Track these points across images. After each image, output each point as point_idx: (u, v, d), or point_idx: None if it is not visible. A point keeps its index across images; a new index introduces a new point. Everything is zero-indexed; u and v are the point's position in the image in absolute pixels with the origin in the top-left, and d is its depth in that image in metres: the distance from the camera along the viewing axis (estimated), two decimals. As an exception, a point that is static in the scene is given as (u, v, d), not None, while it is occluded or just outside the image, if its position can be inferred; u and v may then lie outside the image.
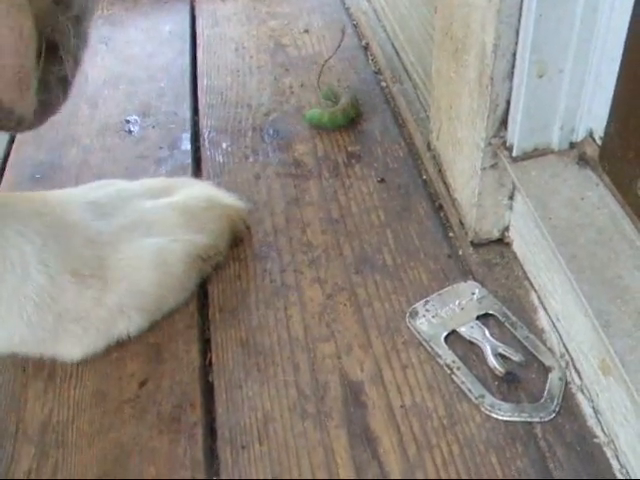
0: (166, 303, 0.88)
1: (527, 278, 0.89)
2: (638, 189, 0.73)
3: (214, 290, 0.92)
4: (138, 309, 0.85)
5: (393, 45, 1.34)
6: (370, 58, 1.33)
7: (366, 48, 1.36)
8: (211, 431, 0.78)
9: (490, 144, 0.85)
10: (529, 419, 0.76)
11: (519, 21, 0.76)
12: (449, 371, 0.81)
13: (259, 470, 0.74)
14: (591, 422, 0.76)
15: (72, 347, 0.84)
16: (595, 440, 0.75)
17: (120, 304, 0.84)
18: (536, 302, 0.87)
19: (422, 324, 0.85)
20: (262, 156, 1.12)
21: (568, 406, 0.78)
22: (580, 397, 0.78)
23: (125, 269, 0.84)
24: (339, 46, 1.27)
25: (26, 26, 0.63)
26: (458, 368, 0.81)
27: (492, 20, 0.76)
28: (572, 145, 0.84)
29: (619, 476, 0.72)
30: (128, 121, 1.22)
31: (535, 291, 0.88)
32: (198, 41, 1.43)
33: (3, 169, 1.14)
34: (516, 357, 0.81)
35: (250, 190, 1.05)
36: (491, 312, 0.86)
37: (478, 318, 0.86)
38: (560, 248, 0.75)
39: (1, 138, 1.19)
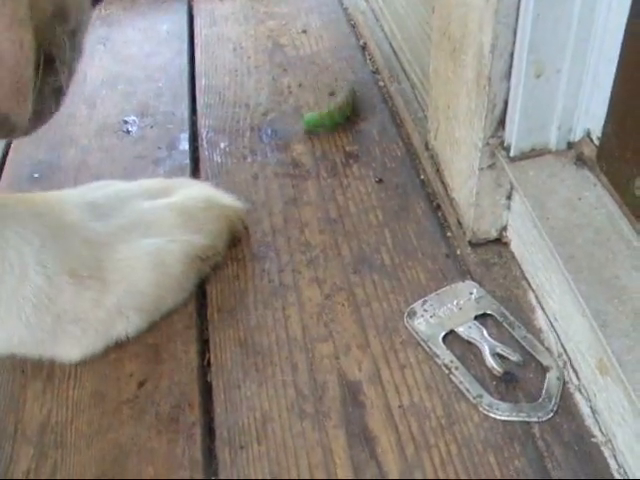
0: (164, 303, 0.88)
1: (525, 278, 0.90)
2: (635, 189, 0.73)
3: (212, 290, 0.92)
4: (136, 310, 0.85)
5: (391, 45, 1.34)
6: (368, 58, 1.33)
7: (364, 48, 1.36)
8: (210, 431, 0.78)
9: (488, 144, 0.85)
10: (527, 419, 0.76)
11: (516, 21, 0.76)
12: (447, 371, 0.81)
13: (257, 470, 0.74)
14: (589, 422, 0.76)
15: (71, 348, 0.84)
16: (593, 440, 0.75)
17: (118, 305, 0.84)
18: (534, 302, 0.87)
19: (420, 324, 0.85)
20: (260, 156, 1.12)
21: (566, 406, 0.78)
22: (578, 397, 0.78)
23: (123, 270, 0.84)
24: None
25: (26, 39, 0.64)
26: (456, 368, 0.81)
27: (490, 20, 0.76)
28: (570, 145, 0.84)
29: (617, 476, 0.72)
30: (126, 121, 1.22)
31: (533, 291, 0.88)
32: (196, 41, 1.43)
33: (1, 169, 1.14)
34: (514, 357, 0.81)
35: (248, 190, 1.06)
36: (489, 312, 0.86)
37: (476, 318, 0.86)
38: (558, 248, 0.75)
39: (-1, 138, 1.19)
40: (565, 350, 0.81)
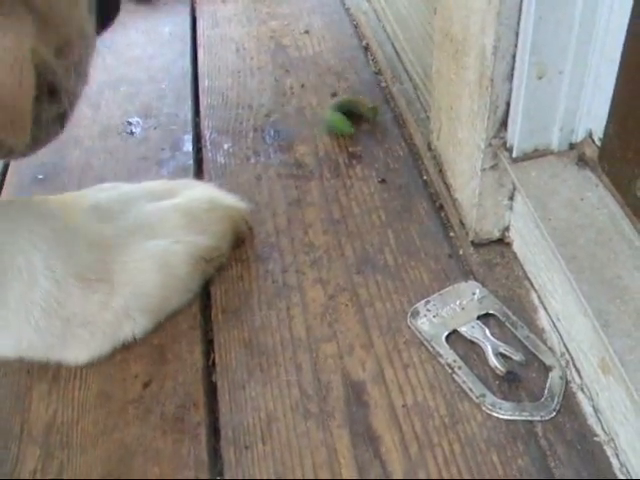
0: (170, 304, 0.88)
1: (527, 278, 0.90)
2: (637, 190, 0.73)
3: (217, 291, 0.93)
4: (143, 311, 0.86)
5: (393, 45, 1.34)
6: (370, 58, 1.33)
7: (366, 48, 1.36)
8: (215, 431, 0.79)
9: (490, 145, 0.85)
10: (530, 418, 0.77)
11: (518, 23, 0.76)
12: (450, 370, 0.81)
13: (262, 470, 0.75)
14: (591, 421, 0.76)
15: (79, 351, 0.84)
16: (595, 439, 0.75)
17: (126, 307, 0.84)
18: (536, 302, 0.87)
19: (423, 324, 0.86)
20: (263, 157, 1.13)
21: (568, 405, 0.78)
22: (580, 396, 0.78)
23: (130, 272, 0.85)
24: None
25: (26, 78, 0.67)
26: (459, 367, 0.81)
27: (492, 22, 0.76)
28: (572, 146, 0.85)
29: (619, 474, 0.72)
30: (130, 123, 1.23)
31: (535, 291, 0.88)
32: (199, 42, 1.43)
33: (6, 170, 1.14)
34: (517, 356, 0.82)
35: (251, 191, 1.06)
36: (492, 312, 0.87)
37: (479, 318, 0.86)
38: (560, 248, 0.75)
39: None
40: (567, 350, 0.81)
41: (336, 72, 1.30)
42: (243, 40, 1.42)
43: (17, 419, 0.81)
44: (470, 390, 0.79)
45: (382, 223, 0.99)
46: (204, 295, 0.92)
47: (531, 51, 0.76)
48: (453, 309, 0.87)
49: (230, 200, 0.96)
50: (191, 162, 1.14)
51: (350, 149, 1.12)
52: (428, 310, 0.87)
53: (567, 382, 0.80)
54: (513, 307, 0.87)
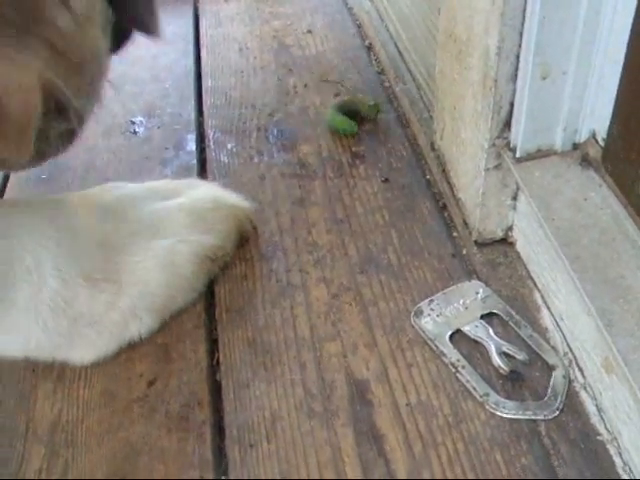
0: (175, 303, 0.89)
1: (531, 277, 0.90)
2: (640, 190, 0.74)
3: (221, 290, 0.93)
4: (149, 311, 0.86)
5: (396, 45, 1.35)
6: (373, 58, 1.34)
7: (369, 48, 1.37)
8: (219, 430, 0.79)
9: (494, 145, 0.86)
10: (533, 417, 0.77)
11: (522, 24, 0.76)
12: (454, 370, 0.81)
13: (267, 468, 0.75)
14: (594, 420, 0.77)
15: (86, 351, 0.84)
16: (598, 437, 0.75)
17: (132, 307, 0.85)
18: (539, 301, 0.88)
19: (427, 323, 0.86)
20: (267, 156, 1.13)
21: (572, 404, 0.78)
22: (583, 395, 0.79)
23: (136, 272, 0.85)
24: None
25: (32, 99, 0.68)
26: (463, 367, 0.82)
27: (496, 23, 0.77)
28: (575, 146, 0.85)
29: (622, 473, 0.72)
30: (133, 122, 1.23)
31: (538, 290, 0.88)
32: (202, 42, 1.44)
33: (10, 170, 1.15)
34: (520, 356, 0.82)
35: (255, 190, 1.06)
36: (495, 311, 0.87)
37: (482, 317, 0.86)
38: (563, 248, 0.76)
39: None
40: (571, 349, 0.81)
41: (339, 72, 1.31)
42: (246, 40, 1.43)
43: (22, 418, 0.81)
44: (474, 389, 0.79)
45: (385, 223, 1.00)
46: (208, 294, 0.93)
47: (535, 52, 0.76)
48: (457, 308, 0.87)
49: (234, 199, 0.97)
50: (194, 161, 1.14)
51: (353, 149, 1.13)
52: (432, 309, 0.88)
53: (570, 381, 0.80)
54: (516, 306, 0.88)
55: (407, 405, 0.79)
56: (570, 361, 0.81)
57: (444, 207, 1.02)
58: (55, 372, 0.85)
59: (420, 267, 0.93)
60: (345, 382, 0.81)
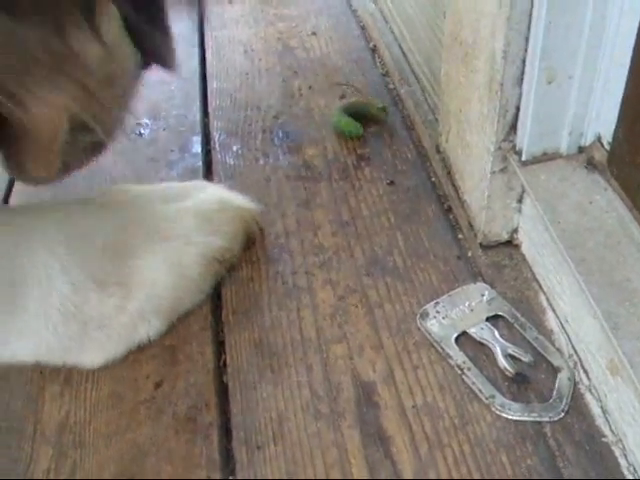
0: (183, 305, 0.89)
1: (536, 280, 0.90)
2: (646, 193, 0.74)
3: (227, 292, 0.93)
4: (157, 313, 0.86)
5: (401, 47, 1.35)
6: (378, 60, 1.34)
7: (373, 50, 1.37)
8: (226, 431, 0.79)
9: (500, 148, 0.86)
10: (539, 419, 0.77)
11: (529, 28, 0.76)
12: (460, 372, 0.82)
13: (274, 470, 0.75)
14: (599, 421, 0.77)
15: (95, 354, 0.85)
16: (603, 439, 0.76)
17: (141, 310, 0.85)
18: (545, 304, 0.88)
19: (433, 325, 0.86)
20: (272, 159, 1.13)
21: (577, 406, 0.79)
22: (588, 397, 0.79)
23: (144, 275, 0.85)
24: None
25: (59, 120, 0.73)
26: (469, 369, 0.82)
27: (502, 27, 0.77)
28: (580, 150, 0.85)
29: (627, 474, 0.73)
30: (139, 124, 1.23)
31: (544, 293, 0.89)
32: (206, 44, 1.44)
33: (15, 173, 1.15)
34: (525, 358, 0.82)
35: (261, 192, 1.06)
36: (500, 313, 0.87)
37: (488, 319, 0.87)
38: (569, 251, 0.76)
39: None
40: (576, 351, 0.81)
41: (344, 74, 1.31)
42: (251, 41, 1.43)
43: (30, 419, 0.82)
44: (479, 391, 0.80)
45: (391, 225, 1.00)
46: (215, 296, 0.93)
47: (541, 56, 0.76)
48: (462, 311, 0.88)
49: (241, 201, 0.97)
50: (200, 163, 1.14)
51: (358, 151, 1.13)
52: (437, 312, 0.88)
53: (575, 383, 0.80)
54: (522, 309, 0.88)
55: (413, 407, 0.79)
56: (575, 363, 0.81)
57: (449, 209, 1.02)
58: (62, 374, 0.85)
59: (426, 269, 0.94)
60: (351, 384, 0.82)
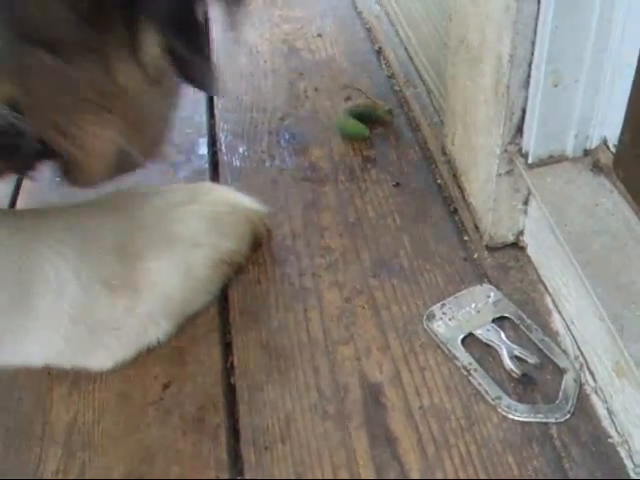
0: (191, 307, 0.89)
1: (541, 282, 0.91)
2: (651, 196, 0.75)
3: (234, 294, 0.93)
4: (166, 315, 0.86)
5: (406, 49, 1.35)
6: (383, 62, 1.34)
7: (379, 52, 1.37)
8: (234, 432, 0.80)
9: (506, 151, 0.86)
10: (545, 420, 0.78)
11: (535, 32, 0.76)
12: (466, 373, 0.82)
13: (282, 470, 0.76)
14: (605, 423, 0.77)
15: (104, 358, 0.85)
16: (609, 440, 0.76)
17: (150, 312, 0.85)
18: (550, 305, 0.88)
19: (439, 327, 0.87)
20: (279, 160, 1.14)
21: (583, 407, 0.79)
22: (594, 398, 0.79)
23: (153, 277, 0.85)
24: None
25: (108, 156, 0.79)
26: (475, 370, 0.82)
27: (508, 31, 0.77)
28: (586, 152, 0.85)
29: (633, 475, 0.73)
30: (144, 125, 1.23)
31: (549, 294, 0.89)
32: (212, 44, 1.44)
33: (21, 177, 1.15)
34: (532, 359, 0.82)
35: (267, 194, 1.06)
36: (506, 315, 0.88)
37: (494, 321, 0.87)
38: (575, 253, 0.76)
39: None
40: (582, 353, 0.82)
41: (349, 76, 1.31)
42: (256, 43, 1.43)
43: (39, 420, 0.82)
44: (486, 392, 0.80)
45: (397, 227, 1.00)
46: (222, 298, 0.93)
47: (547, 60, 0.77)
48: (468, 312, 0.88)
49: (248, 202, 0.97)
50: (207, 165, 1.15)
51: (364, 153, 1.13)
52: (444, 313, 0.88)
53: (581, 385, 0.81)
54: (527, 310, 0.88)
55: (420, 408, 0.80)
56: (581, 365, 0.82)
57: (455, 211, 1.02)
58: (70, 375, 0.85)
59: (432, 271, 0.94)
60: (358, 385, 0.82)
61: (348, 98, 1.25)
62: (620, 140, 0.79)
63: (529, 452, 0.75)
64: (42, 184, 1.10)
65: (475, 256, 0.96)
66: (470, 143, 0.96)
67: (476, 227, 0.98)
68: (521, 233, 0.94)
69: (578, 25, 0.75)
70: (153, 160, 0.88)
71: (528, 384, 0.81)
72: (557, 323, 0.86)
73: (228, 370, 0.86)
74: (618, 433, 0.76)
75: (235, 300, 0.93)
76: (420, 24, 1.32)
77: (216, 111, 1.26)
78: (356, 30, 1.44)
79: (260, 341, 0.88)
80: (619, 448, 0.75)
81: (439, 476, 0.74)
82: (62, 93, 0.70)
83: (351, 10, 1.51)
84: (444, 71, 1.05)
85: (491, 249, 0.96)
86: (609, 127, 0.81)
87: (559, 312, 0.86)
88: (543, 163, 0.85)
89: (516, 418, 0.78)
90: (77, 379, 0.85)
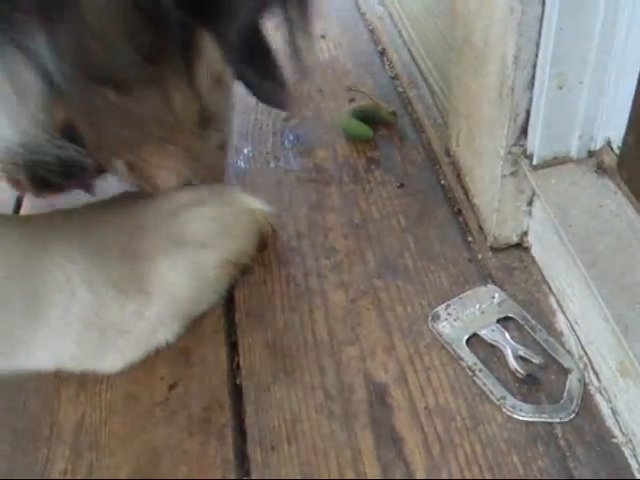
0: (199, 308, 0.90)
1: (546, 282, 0.91)
2: (655, 197, 0.75)
3: (240, 295, 0.94)
4: (175, 317, 0.87)
5: (410, 50, 1.35)
6: (387, 63, 1.34)
7: (382, 53, 1.37)
8: (241, 432, 0.80)
9: (510, 152, 0.86)
10: (549, 420, 0.78)
11: (539, 34, 0.77)
12: (471, 373, 0.83)
13: (289, 470, 0.76)
14: (609, 422, 0.77)
15: (114, 360, 0.85)
16: (614, 440, 0.76)
17: (160, 314, 0.85)
18: (555, 306, 0.88)
19: (444, 327, 0.87)
20: (283, 162, 1.14)
21: (587, 407, 0.79)
22: (599, 398, 0.79)
23: (162, 279, 0.86)
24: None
25: (171, 183, 0.92)
26: (480, 370, 0.83)
27: (513, 33, 0.77)
28: (590, 154, 0.85)
29: (637, 475, 0.73)
30: (149, 127, 1.24)
31: (554, 295, 0.89)
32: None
33: (26, 176, 1.15)
34: (536, 359, 0.83)
35: (272, 196, 1.06)
36: (511, 315, 0.88)
37: (498, 321, 0.87)
38: (579, 254, 0.77)
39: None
40: (586, 353, 0.82)
41: (353, 77, 1.31)
42: (259, 44, 1.43)
43: (46, 421, 0.82)
44: (491, 392, 0.80)
45: (401, 227, 1.01)
46: (227, 299, 0.93)
47: (552, 62, 0.77)
48: (473, 313, 0.88)
49: (255, 203, 0.97)
50: (212, 167, 1.15)
51: (368, 154, 1.13)
52: (448, 314, 0.89)
53: (585, 384, 0.81)
54: (532, 311, 0.88)
55: (425, 408, 0.80)
56: (585, 365, 0.82)
57: (459, 212, 1.02)
58: (78, 376, 0.86)
59: (436, 272, 0.94)
60: (364, 385, 0.83)
61: (352, 99, 1.25)
62: (624, 141, 0.79)
63: (534, 452, 0.76)
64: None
65: (479, 257, 0.96)
66: (474, 144, 0.96)
67: (480, 228, 0.98)
68: (525, 234, 0.95)
69: (583, 27, 0.75)
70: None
71: (533, 384, 0.81)
72: (561, 323, 0.87)
73: (234, 370, 0.86)
74: (622, 433, 0.76)
75: (241, 301, 0.93)
76: (424, 25, 1.32)
77: (220, 112, 1.26)
78: (359, 31, 1.44)
79: (266, 342, 0.88)
80: (623, 448, 0.75)
81: (444, 476, 0.74)
82: (125, 126, 0.73)
83: (354, 11, 1.51)
84: (448, 72, 1.05)
85: (495, 250, 0.96)
86: (613, 129, 0.82)
87: (563, 312, 0.87)
88: (547, 164, 0.85)
89: (521, 418, 0.78)
90: (84, 380, 0.86)
